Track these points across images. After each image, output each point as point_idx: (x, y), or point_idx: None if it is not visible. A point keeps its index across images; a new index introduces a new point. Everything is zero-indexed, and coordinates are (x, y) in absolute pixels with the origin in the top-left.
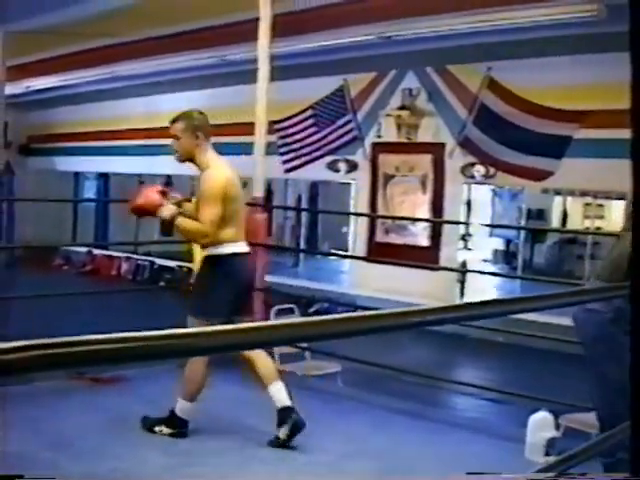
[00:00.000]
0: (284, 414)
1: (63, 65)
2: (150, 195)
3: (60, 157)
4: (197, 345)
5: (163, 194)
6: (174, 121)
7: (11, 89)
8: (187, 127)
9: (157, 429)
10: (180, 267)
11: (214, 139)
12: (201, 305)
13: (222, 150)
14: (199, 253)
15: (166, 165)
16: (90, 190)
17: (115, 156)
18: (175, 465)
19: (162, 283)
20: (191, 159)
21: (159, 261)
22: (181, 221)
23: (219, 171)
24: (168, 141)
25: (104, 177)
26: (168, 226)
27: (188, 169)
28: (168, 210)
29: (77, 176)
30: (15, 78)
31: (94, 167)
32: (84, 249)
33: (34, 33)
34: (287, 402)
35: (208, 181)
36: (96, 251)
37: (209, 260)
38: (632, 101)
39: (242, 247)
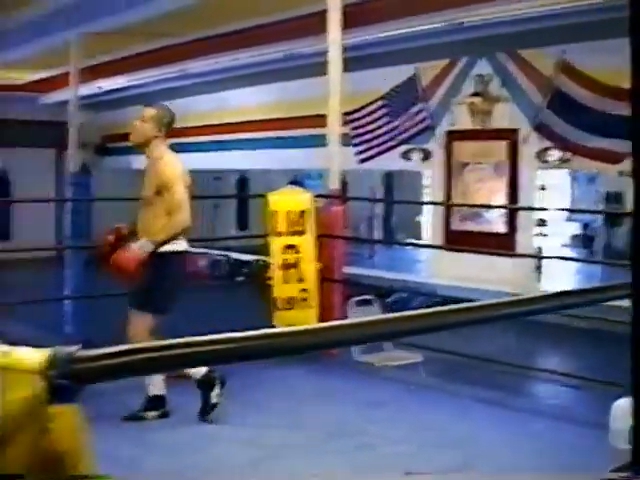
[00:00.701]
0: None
1: (134, 65)
2: (126, 260)
3: (134, 156)
4: (294, 343)
5: (119, 239)
6: (149, 105)
7: (85, 90)
8: (156, 117)
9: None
10: (257, 261)
11: (286, 132)
12: (151, 300)
13: (293, 143)
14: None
15: (240, 160)
16: None
17: (189, 153)
18: (259, 459)
19: (240, 278)
20: (144, 145)
21: (236, 256)
22: (158, 237)
23: (177, 161)
24: (241, 136)
25: None
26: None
27: (262, 164)
28: (143, 246)
29: None
30: (88, 79)
31: None
32: None
33: (105, 34)
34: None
35: (169, 167)
36: None
37: (163, 256)
38: (632, 86)
39: (186, 244)
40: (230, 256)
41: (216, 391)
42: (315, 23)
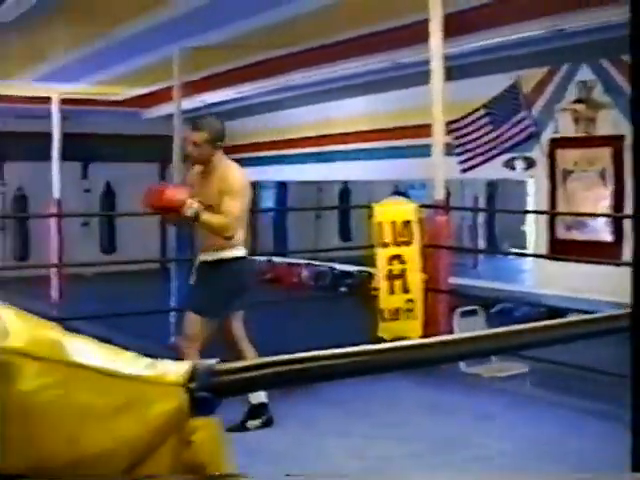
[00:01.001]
0: (260, 410)
1: (237, 78)
2: (174, 193)
3: None
4: (418, 357)
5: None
6: (197, 128)
7: (187, 104)
8: (209, 139)
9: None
10: (360, 272)
11: (389, 142)
12: (209, 304)
13: (396, 154)
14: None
15: (343, 171)
16: (269, 199)
17: (292, 164)
18: (365, 470)
19: (343, 289)
20: (204, 163)
21: (339, 267)
22: (207, 217)
23: (241, 171)
24: (343, 147)
25: (282, 186)
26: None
27: (365, 174)
28: (192, 208)
29: (255, 185)
30: (191, 93)
31: (272, 176)
32: (264, 258)
33: (207, 48)
34: (264, 399)
35: (235, 175)
36: (276, 259)
37: (224, 262)
38: (632, 93)
39: (244, 252)
40: (334, 267)
41: (256, 423)
42: (417, 32)
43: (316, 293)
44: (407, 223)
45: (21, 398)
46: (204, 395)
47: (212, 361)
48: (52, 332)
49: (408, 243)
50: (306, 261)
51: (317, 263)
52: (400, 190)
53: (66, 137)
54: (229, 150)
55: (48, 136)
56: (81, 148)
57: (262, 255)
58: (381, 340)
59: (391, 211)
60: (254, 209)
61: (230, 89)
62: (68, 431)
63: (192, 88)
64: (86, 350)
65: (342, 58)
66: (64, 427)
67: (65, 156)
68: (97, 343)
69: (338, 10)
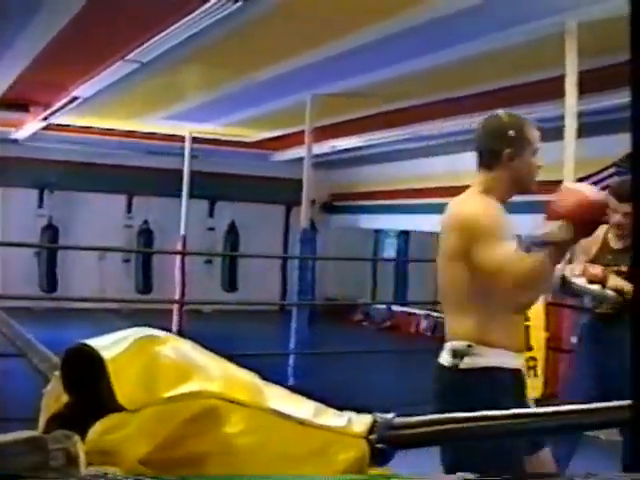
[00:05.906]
0: None
1: (365, 126)
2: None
3: (362, 215)
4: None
5: None
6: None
7: (316, 149)
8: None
9: None
10: None
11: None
12: None
13: (521, 209)
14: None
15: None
16: (390, 247)
17: (415, 214)
18: None
19: None
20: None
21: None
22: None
23: None
24: None
25: (405, 235)
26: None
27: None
28: None
29: (377, 233)
30: (320, 139)
31: (394, 225)
32: (384, 306)
33: (338, 96)
34: None
35: None
36: (395, 308)
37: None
38: (632, 103)
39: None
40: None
41: None
42: (550, 89)
43: (434, 344)
44: None
45: (226, 440)
46: (382, 447)
47: (390, 415)
48: (246, 376)
49: None
50: (425, 312)
51: (436, 315)
52: None
53: (194, 175)
54: (351, 197)
55: (177, 173)
56: (209, 186)
57: (382, 303)
58: None
59: None
60: (376, 257)
61: (358, 137)
62: (263, 472)
63: (321, 134)
64: (278, 396)
65: (472, 111)
66: (260, 468)
67: (192, 194)
68: (283, 390)
69: (465, 67)
